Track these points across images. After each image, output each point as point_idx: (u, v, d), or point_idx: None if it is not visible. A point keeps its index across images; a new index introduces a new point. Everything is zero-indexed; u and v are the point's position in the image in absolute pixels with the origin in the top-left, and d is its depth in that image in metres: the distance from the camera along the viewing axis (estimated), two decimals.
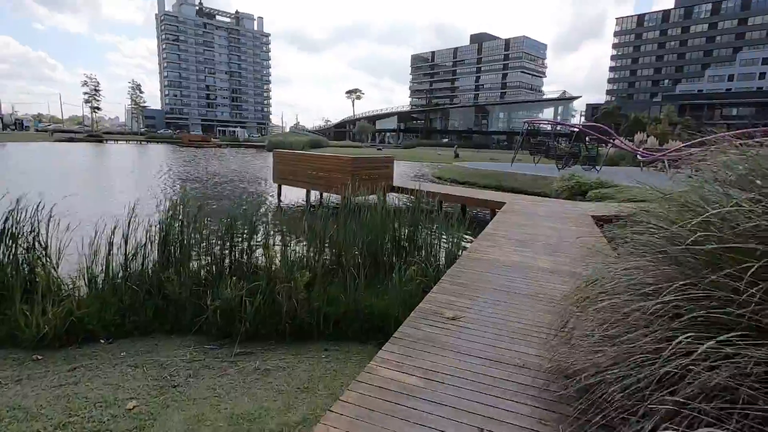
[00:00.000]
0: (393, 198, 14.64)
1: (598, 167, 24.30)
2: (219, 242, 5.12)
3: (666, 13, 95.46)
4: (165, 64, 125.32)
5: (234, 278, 4.57)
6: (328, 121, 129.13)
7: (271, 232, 5.57)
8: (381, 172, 12.98)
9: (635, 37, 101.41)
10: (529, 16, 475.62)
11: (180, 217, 5.14)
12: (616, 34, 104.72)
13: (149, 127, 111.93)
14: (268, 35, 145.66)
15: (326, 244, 5.48)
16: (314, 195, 15.24)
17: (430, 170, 31.11)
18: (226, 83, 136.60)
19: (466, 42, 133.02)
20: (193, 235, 5.08)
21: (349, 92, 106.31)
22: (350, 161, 11.93)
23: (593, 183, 15.14)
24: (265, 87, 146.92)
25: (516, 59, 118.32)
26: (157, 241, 4.89)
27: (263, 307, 4.32)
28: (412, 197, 14.85)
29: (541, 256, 5.40)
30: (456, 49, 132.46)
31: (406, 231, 6.17)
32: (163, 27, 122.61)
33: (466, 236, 9.37)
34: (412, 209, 6.41)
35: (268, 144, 54.07)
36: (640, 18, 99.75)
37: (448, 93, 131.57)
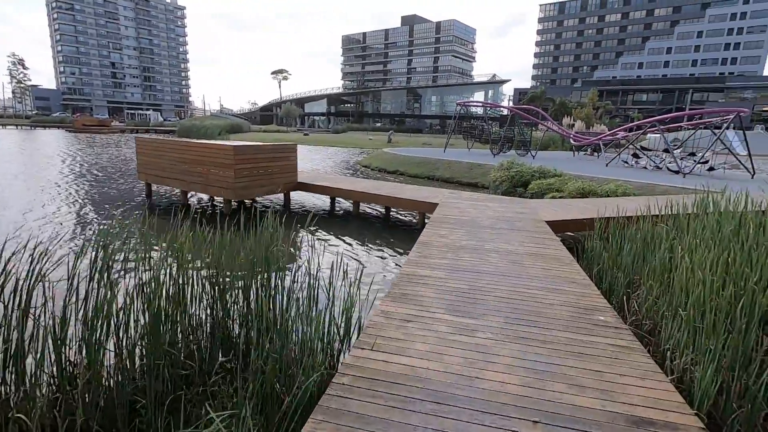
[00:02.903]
0: (299, 198, 11.69)
1: (533, 152, 23.02)
2: None
3: (585, 2, 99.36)
4: (58, 37, 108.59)
5: None
6: (255, 104, 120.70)
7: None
8: (279, 165, 9.90)
9: (557, 24, 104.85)
10: (458, 1, 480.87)
11: None
12: (540, 20, 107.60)
13: (42, 109, 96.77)
14: (183, 8, 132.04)
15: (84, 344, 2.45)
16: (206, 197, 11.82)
17: (357, 158, 28.21)
18: (135, 61, 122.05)
19: (398, 23, 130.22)
20: None
21: (275, 72, 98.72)
22: (231, 150, 8.71)
23: (534, 171, 13.33)
24: (183, 66, 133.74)
25: (447, 43, 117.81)
26: None
27: None
28: (322, 197, 11.97)
29: (505, 343, 2.81)
30: (387, 30, 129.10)
31: (255, 297, 3.25)
32: None
33: (388, 262, 6.63)
34: (290, 236, 3.52)
35: (180, 129, 47.74)
36: (562, 5, 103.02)
37: (381, 76, 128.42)
